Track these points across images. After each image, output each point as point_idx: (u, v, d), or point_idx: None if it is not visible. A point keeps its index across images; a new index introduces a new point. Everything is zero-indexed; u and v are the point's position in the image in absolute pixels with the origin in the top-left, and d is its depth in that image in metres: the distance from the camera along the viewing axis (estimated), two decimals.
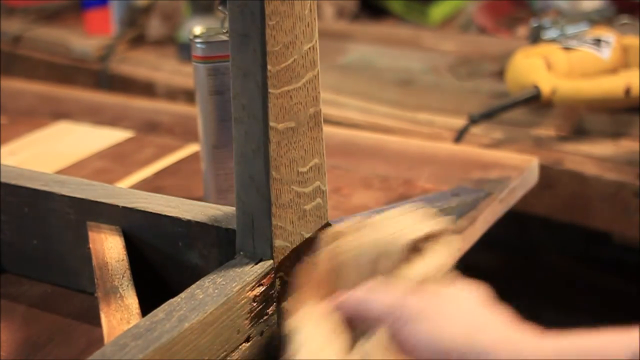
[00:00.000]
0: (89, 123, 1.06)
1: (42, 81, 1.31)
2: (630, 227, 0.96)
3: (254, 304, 0.55)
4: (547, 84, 1.03)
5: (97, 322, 0.56)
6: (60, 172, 0.90)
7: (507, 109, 1.05)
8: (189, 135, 0.98)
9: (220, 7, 0.73)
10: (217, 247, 0.61)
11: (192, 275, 0.58)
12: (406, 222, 0.56)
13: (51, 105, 1.14)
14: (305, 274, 0.56)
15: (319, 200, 0.59)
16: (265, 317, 0.56)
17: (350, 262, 0.55)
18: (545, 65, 1.06)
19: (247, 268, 0.56)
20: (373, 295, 0.51)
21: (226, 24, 0.56)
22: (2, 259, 0.71)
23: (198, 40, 0.74)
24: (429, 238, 0.55)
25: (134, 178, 0.89)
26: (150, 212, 0.63)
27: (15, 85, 1.25)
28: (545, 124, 1.07)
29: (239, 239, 0.58)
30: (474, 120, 1.03)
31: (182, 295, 0.53)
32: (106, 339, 0.53)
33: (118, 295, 0.58)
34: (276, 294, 0.57)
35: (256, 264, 0.56)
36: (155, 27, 1.48)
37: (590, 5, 1.42)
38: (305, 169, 0.57)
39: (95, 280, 0.60)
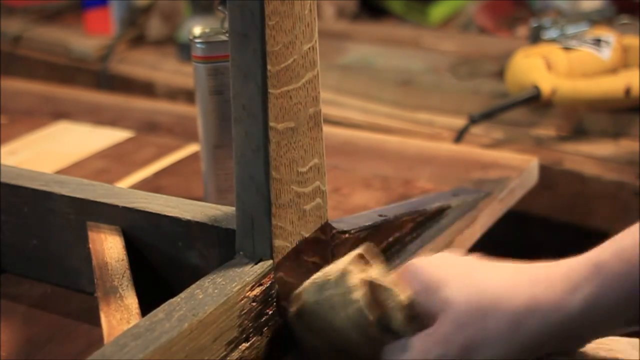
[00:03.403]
0: (89, 123, 1.06)
1: (42, 81, 1.31)
2: None
3: (254, 304, 0.55)
4: (547, 84, 1.03)
5: (97, 322, 0.56)
6: (60, 172, 0.90)
7: (507, 109, 1.05)
8: (189, 135, 0.98)
9: (220, 7, 0.73)
10: (216, 247, 0.61)
11: (192, 275, 0.58)
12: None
13: (51, 105, 1.14)
14: None
15: (318, 200, 0.59)
16: (265, 317, 0.56)
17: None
18: (545, 65, 1.05)
19: (247, 268, 0.56)
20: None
21: (226, 24, 0.56)
22: (2, 259, 0.71)
23: (198, 40, 0.74)
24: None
25: (133, 178, 0.89)
26: (150, 212, 0.63)
27: (15, 85, 1.24)
28: (545, 124, 1.07)
29: (239, 239, 0.58)
30: (474, 120, 1.03)
31: (182, 295, 0.53)
32: (106, 339, 0.53)
33: (118, 295, 0.58)
34: (276, 294, 0.57)
35: (256, 264, 0.56)
36: (155, 27, 1.48)
37: (590, 5, 1.42)
38: (305, 169, 0.57)
39: (95, 280, 0.60)
